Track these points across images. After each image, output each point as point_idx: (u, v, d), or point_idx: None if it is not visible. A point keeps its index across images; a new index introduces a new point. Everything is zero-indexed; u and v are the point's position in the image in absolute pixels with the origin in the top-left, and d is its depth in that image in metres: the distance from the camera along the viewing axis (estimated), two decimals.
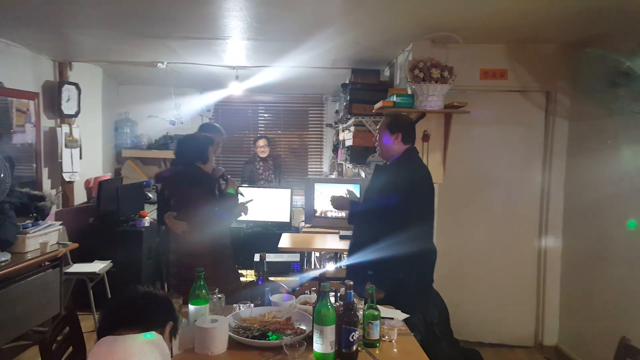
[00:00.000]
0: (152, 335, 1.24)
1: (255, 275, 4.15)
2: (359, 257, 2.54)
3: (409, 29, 3.19)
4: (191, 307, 1.80)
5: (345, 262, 4.20)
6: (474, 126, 3.60)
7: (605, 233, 3.11)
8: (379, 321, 1.81)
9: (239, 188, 3.10)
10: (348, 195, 3.01)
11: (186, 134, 2.94)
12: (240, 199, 3.05)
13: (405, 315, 2.13)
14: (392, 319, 2.07)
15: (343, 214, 4.05)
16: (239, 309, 2.00)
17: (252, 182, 5.31)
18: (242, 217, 3.55)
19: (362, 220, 2.66)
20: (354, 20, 3.02)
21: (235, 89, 4.97)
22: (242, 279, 3.95)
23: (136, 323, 1.25)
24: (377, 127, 2.70)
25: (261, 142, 5.48)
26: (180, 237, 2.75)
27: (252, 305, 2.03)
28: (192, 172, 2.78)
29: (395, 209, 2.35)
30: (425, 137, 3.33)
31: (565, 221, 3.61)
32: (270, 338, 1.75)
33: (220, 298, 1.97)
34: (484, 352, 3.52)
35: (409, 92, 3.32)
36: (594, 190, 3.27)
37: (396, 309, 2.21)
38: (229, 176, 3.09)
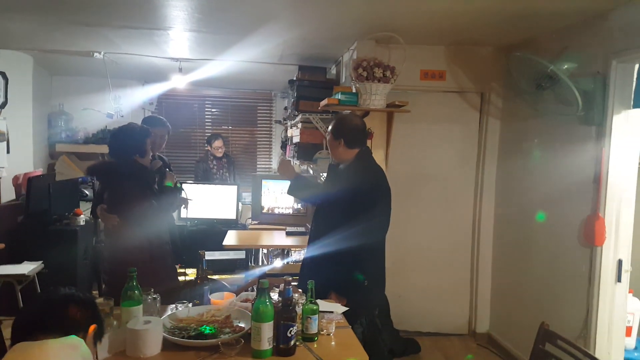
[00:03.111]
0: (72, 339, 1.17)
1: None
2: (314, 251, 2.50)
3: (354, 27, 3.22)
4: (123, 309, 1.74)
5: (296, 257, 4.21)
6: (415, 125, 3.70)
7: (530, 229, 3.30)
8: (317, 315, 1.83)
9: (178, 181, 2.94)
10: None
11: (120, 126, 2.74)
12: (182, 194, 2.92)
13: (344, 309, 2.16)
14: (332, 312, 2.09)
15: (290, 210, 4.09)
16: (176, 309, 1.95)
17: (206, 181, 5.20)
18: (184, 213, 3.45)
19: (322, 215, 2.58)
20: (299, 16, 3.01)
21: (178, 82, 4.84)
22: (184, 277, 3.87)
23: (55, 326, 1.18)
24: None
25: (218, 143, 5.36)
26: (115, 232, 2.61)
27: (189, 305, 1.99)
28: (127, 165, 2.61)
29: (355, 212, 2.28)
30: (369, 135, 3.39)
31: (496, 217, 3.80)
32: (205, 331, 1.72)
33: (155, 298, 1.91)
34: (422, 341, 3.69)
35: (354, 90, 3.36)
36: (521, 187, 3.46)
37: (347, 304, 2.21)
38: (167, 169, 2.94)
